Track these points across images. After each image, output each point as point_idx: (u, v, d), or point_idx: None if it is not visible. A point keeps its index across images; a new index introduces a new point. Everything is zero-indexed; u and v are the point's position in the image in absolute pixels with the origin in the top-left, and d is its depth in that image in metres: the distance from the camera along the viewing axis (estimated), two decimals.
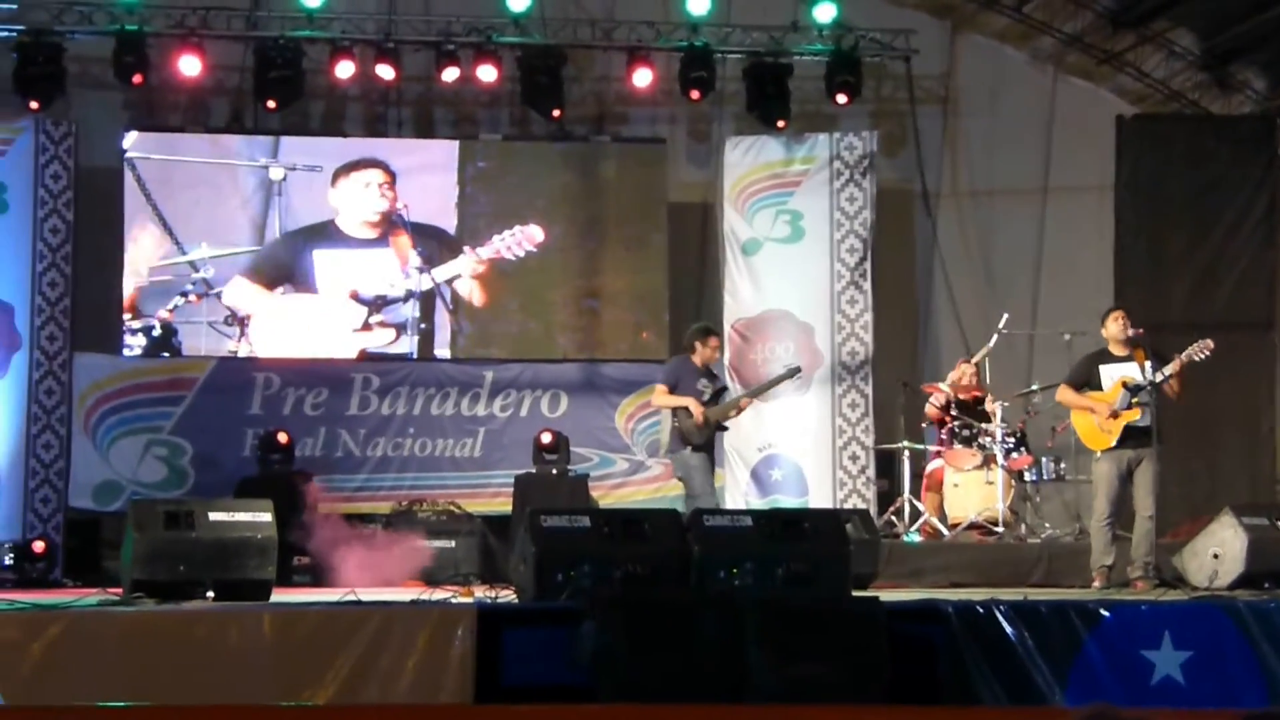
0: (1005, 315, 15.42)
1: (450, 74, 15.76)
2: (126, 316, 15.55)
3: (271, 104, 15.64)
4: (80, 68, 15.57)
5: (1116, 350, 12.14)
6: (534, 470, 15.04)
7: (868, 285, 16.02)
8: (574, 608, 8.46)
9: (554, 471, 15.00)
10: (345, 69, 15.63)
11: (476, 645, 8.26)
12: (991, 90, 17.17)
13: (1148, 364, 11.90)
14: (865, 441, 15.86)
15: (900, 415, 15.47)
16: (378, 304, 15.93)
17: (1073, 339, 14.39)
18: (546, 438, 15.15)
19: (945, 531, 14.65)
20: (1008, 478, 14.63)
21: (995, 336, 15.38)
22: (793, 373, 13.93)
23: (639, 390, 15.92)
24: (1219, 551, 11.80)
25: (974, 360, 15.39)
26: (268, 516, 10.11)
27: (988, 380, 15.45)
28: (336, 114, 16.61)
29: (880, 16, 16.50)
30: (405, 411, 15.81)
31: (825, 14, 15.93)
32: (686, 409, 12.72)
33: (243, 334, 15.75)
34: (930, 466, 15.22)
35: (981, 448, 14.66)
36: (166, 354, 15.65)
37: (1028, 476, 14.87)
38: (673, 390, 12.90)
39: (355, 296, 15.89)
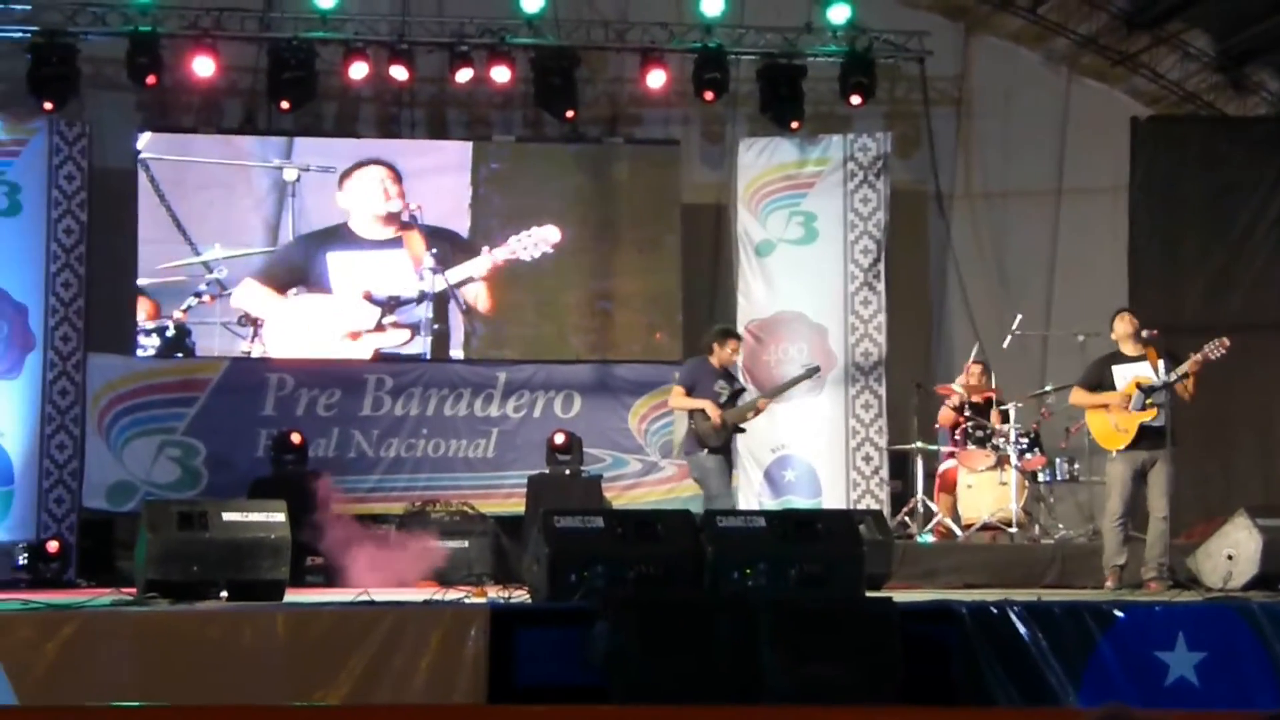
0: (1019, 316, 15.41)
1: (464, 75, 15.77)
2: (140, 317, 15.56)
3: (285, 105, 15.65)
4: (94, 69, 15.58)
5: (1128, 351, 12.13)
6: (547, 471, 15.05)
7: (881, 286, 16.01)
8: (587, 608, 8.46)
9: (567, 472, 15.00)
10: (359, 70, 15.64)
11: (489, 645, 8.26)
12: (1006, 92, 17.14)
13: (1160, 364, 11.90)
14: (879, 442, 15.86)
15: (914, 416, 15.46)
16: (391, 305, 15.94)
17: (1086, 340, 14.36)
18: (560, 438, 15.15)
19: (959, 532, 14.64)
20: (1021, 478, 14.61)
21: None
22: (811, 372, 13.90)
23: (652, 391, 15.94)
24: (1233, 553, 11.78)
25: (970, 361, 15.39)
26: (281, 517, 10.13)
27: (995, 381, 15.43)
28: (350, 115, 16.62)
29: (894, 18, 16.49)
30: (418, 412, 15.81)
31: (839, 15, 15.92)
32: (703, 411, 12.71)
33: (256, 335, 15.76)
34: (943, 467, 15.20)
35: (995, 448, 14.64)
36: (180, 355, 15.67)
37: (1041, 477, 14.86)
38: (690, 392, 12.89)
39: (369, 297, 15.90)
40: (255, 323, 15.76)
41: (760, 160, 16.33)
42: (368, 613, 8.50)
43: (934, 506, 14.95)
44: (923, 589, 12.48)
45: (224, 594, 9.78)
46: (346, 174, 15.98)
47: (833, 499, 15.64)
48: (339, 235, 15.98)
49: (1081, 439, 14.06)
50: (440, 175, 16.24)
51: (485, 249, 16.07)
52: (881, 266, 16.04)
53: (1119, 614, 8.91)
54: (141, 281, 15.56)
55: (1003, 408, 14.86)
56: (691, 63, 16.10)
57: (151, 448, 15.32)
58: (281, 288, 15.84)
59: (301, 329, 15.84)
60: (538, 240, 16.08)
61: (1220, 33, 16.76)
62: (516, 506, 15.08)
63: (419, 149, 16.47)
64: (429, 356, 16.02)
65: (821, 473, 15.88)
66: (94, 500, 15.06)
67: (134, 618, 8.57)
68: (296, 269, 15.92)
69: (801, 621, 8.35)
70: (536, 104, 16.20)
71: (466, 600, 9.45)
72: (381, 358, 15.91)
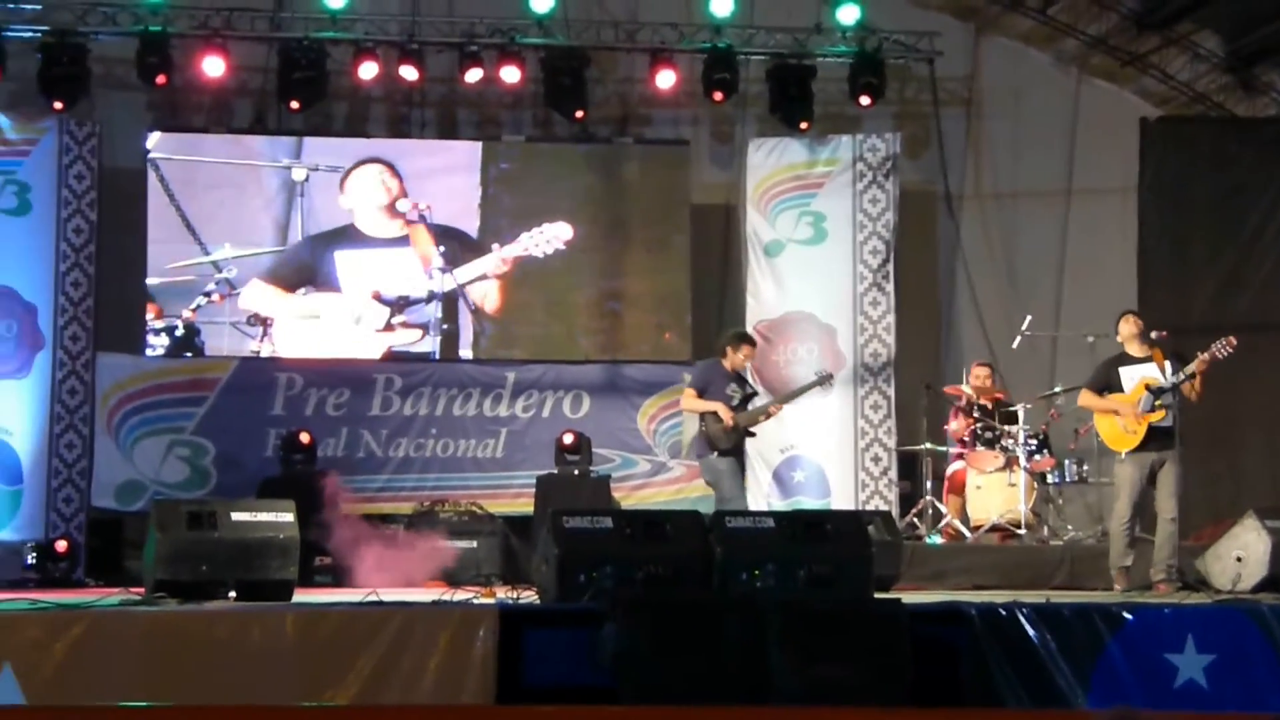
0: (1028, 317, 15.40)
1: (473, 75, 15.78)
2: (149, 316, 15.57)
3: (295, 105, 15.67)
4: (104, 68, 15.61)
5: (1135, 352, 12.13)
6: (556, 471, 15.03)
7: (890, 287, 16.01)
8: (596, 609, 8.45)
9: (576, 472, 14.99)
10: (368, 70, 15.64)
11: (498, 646, 8.25)
12: (1015, 92, 17.13)
13: (1167, 365, 11.90)
14: (887, 443, 15.85)
15: (923, 417, 15.45)
16: (400, 304, 15.94)
17: (1096, 341, 14.34)
18: (568, 438, 15.14)
19: (967, 533, 14.63)
20: (1030, 480, 14.61)
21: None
22: (824, 379, 13.93)
23: (661, 391, 15.96)
24: (1242, 554, 11.77)
25: (975, 364, 15.41)
26: (290, 517, 10.13)
27: (1005, 382, 15.43)
28: (360, 115, 16.63)
29: (904, 18, 16.48)
30: (427, 412, 15.82)
31: (849, 16, 15.92)
32: (715, 413, 12.72)
33: (265, 334, 15.77)
34: (952, 468, 15.20)
35: (1004, 450, 14.63)
36: (189, 354, 15.68)
37: (1050, 479, 14.84)
38: (702, 394, 12.92)
39: (378, 297, 15.91)
40: (265, 322, 15.76)
41: (769, 160, 16.32)
42: (376, 613, 8.49)
43: (943, 507, 14.95)
44: (931, 590, 12.48)
45: (232, 594, 9.79)
46: (345, 176, 15.98)
47: (841, 500, 15.63)
48: (346, 235, 15.99)
49: (1090, 440, 14.05)
50: (450, 175, 16.24)
51: (495, 245, 16.08)
52: (891, 267, 16.03)
53: (1128, 616, 8.89)
54: (151, 281, 15.56)
55: (1011, 409, 14.85)
56: (701, 63, 16.10)
57: (160, 447, 15.34)
58: (290, 287, 15.85)
59: (311, 327, 15.84)
60: (550, 237, 16.08)
61: (1230, 34, 16.75)
62: (525, 507, 15.07)
63: (429, 149, 16.48)
64: (438, 356, 16.02)
65: (830, 473, 15.88)
66: (103, 500, 15.08)
67: (142, 617, 8.57)
68: (305, 269, 15.93)
69: (810, 622, 8.34)
70: (546, 104, 16.20)
71: (475, 600, 9.45)
72: (392, 356, 15.91)
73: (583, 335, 16.45)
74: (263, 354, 15.77)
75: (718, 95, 16.08)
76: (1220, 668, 8.72)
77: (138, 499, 15.03)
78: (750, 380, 14.01)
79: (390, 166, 16.06)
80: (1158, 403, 11.81)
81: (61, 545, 13.92)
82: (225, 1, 15.43)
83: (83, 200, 15.07)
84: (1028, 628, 8.75)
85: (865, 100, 16.17)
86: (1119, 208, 16.64)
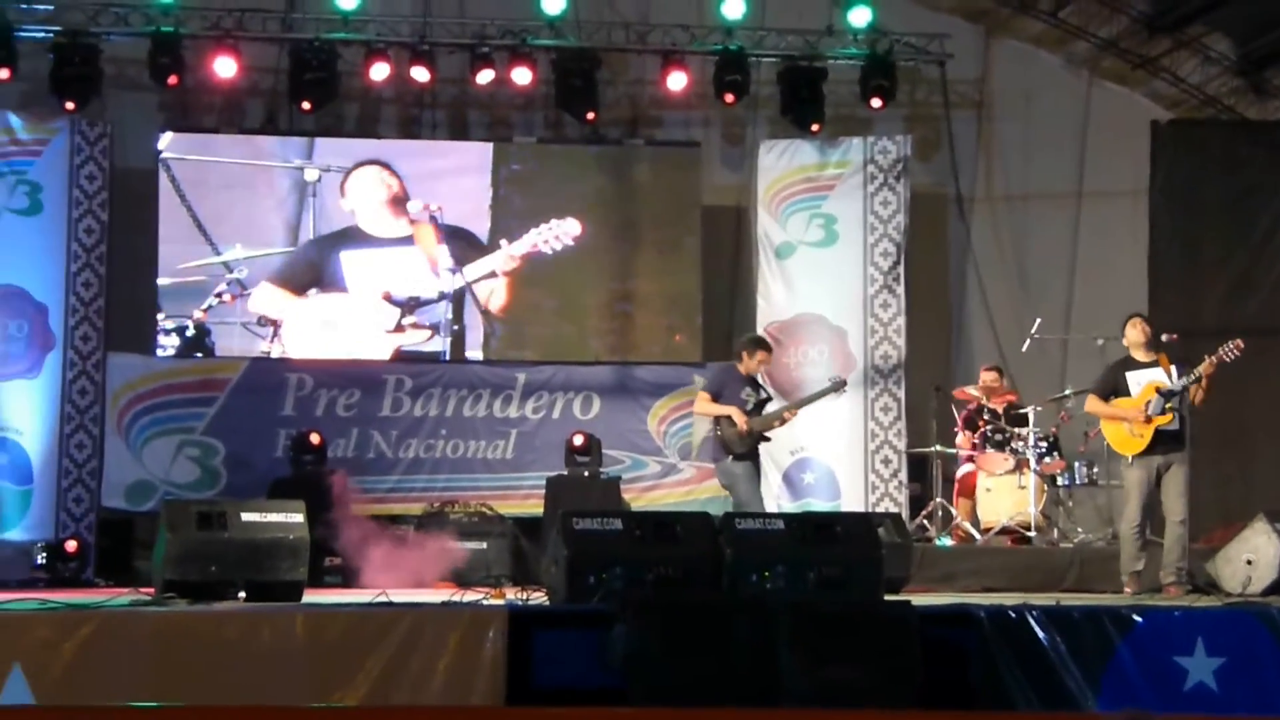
0: (1039, 320, 15.40)
1: (485, 76, 15.78)
2: (160, 317, 15.58)
3: (306, 105, 15.68)
4: (116, 69, 15.63)
5: (1140, 356, 12.14)
6: (566, 472, 15.04)
7: (901, 289, 16.00)
8: (605, 610, 8.44)
9: (586, 474, 14.99)
10: (380, 71, 15.65)
11: (508, 647, 8.24)
12: (1026, 95, 17.12)
13: (1173, 369, 11.90)
14: (897, 445, 15.84)
15: (933, 419, 15.46)
16: (411, 305, 15.95)
17: (1106, 344, 14.29)
18: (578, 440, 15.14)
19: (977, 536, 14.63)
20: (1040, 482, 14.60)
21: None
22: (838, 386, 13.92)
23: (671, 393, 15.96)
24: (1252, 558, 11.77)
25: (983, 369, 15.42)
26: (300, 517, 10.13)
27: (1015, 384, 15.42)
28: (371, 116, 16.64)
29: (915, 21, 16.49)
30: (437, 413, 15.82)
31: (860, 18, 15.93)
32: (729, 417, 12.72)
33: (275, 335, 15.78)
34: (962, 471, 15.20)
35: (1014, 452, 14.62)
36: (199, 354, 15.69)
37: (1060, 481, 14.85)
38: (716, 398, 12.91)
39: (389, 298, 15.91)
40: (275, 324, 15.77)
41: (780, 162, 16.33)
42: (386, 614, 8.49)
43: (953, 510, 14.94)
44: (941, 592, 12.48)
45: (242, 594, 9.79)
46: (344, 179, 15.98)
47: (851, 502, 15.63)
48: (350, 235, 16.00)
49: (1100, 443, 13.99)
50: (461, 176, 16.24)
51: (504, 242, 16.08)
52: (901, 269, 16.03)
53: (1138, 619, 8.87)
54: (162, 281, 15.57)
55: (1021, 411, 14.84)
56: (712, 65, 16.11)
57: (171, 447, 15.35)
58: (298, 290, 15.85)
59: (320, 329, 15.85)
60: (559, 233, 16.07)
61: (1241, 36, 16.73)
62: (535, 508, 15.07)
63: (440, 150, 16.50)
64: (448, 357, 16.02)
65: (840, 475, 15.88)
66: (113, 500, 15.09)
67: (152, 618, 8.57)
68: (311, 271, 15.93)
69: (820, 624, 8.33)
70: (557, 105, 16.22)
71: (485, 602, 9.44)
72: (402, 356, 15.92)
73: (593, 336, 16.45)
74: (273, 354, 15.78)
75: (729, 97, 16.08)
76: (1230, 671, 8.70)
77: (148, 499, 15.03)
78: (764, 385, 14.00)
79: (388, 167, 16.06)
80: (1168, 405, 11.81)
81: (71, 545, 13.95)
82: (237, 2, 15.45)
83: (94, 200, 15.10)
84: (1038, 630, 8.74)
85: (876, 102, 16.17)
86: (1130, 210, 16.63)
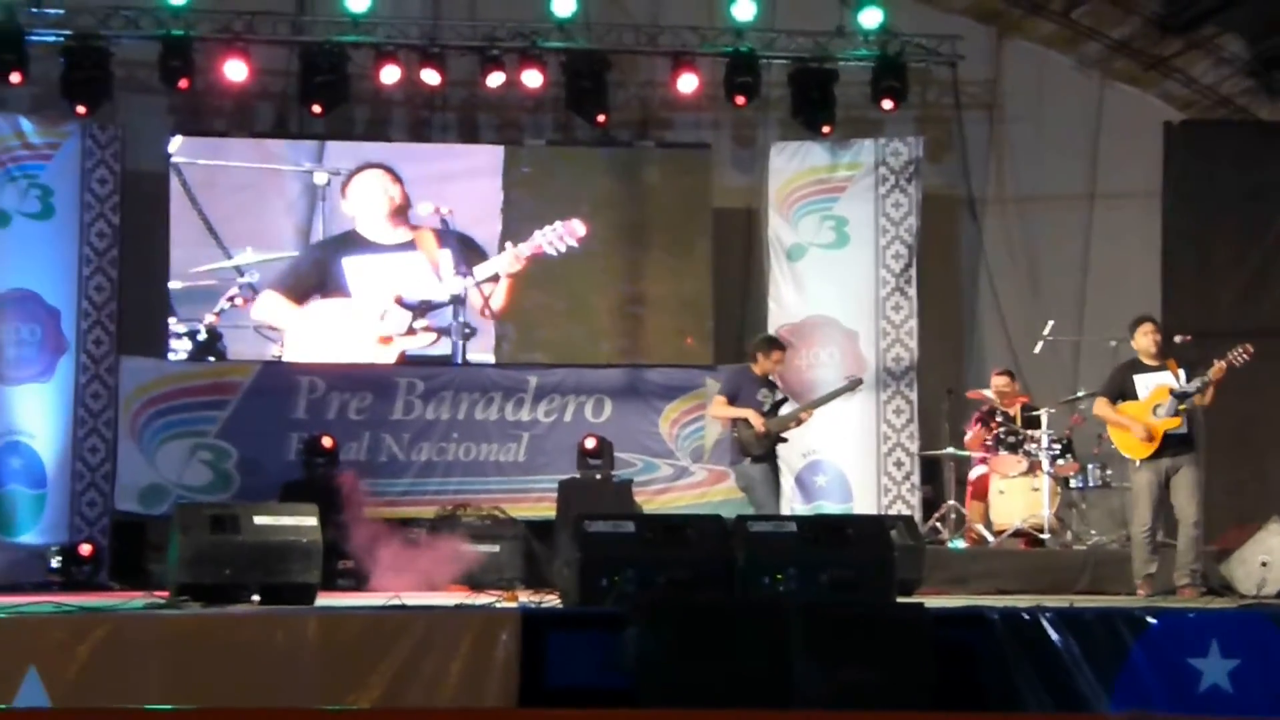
0: (1051, 322, 15.35)
1: (495, 79, 15.78)
2: (172, 320, 15.60)
3: (316, 109, 15.68)
4: (126, 72, 15.62)
5: (1149, 361, 12.10)
6: (578, 475, 15.06)
7: (913, 291, 15.99)
8: (618, 613, 8.43)
9: (598, 476, 15.01)
10: (390, 74, 15.66)
11: (520, 649, 8.24)
12: (1038, 96, 17.09)
13: (1181, 372, 11.88)
14: (910, 448, 15.83)
15: (945, 422, 15.44)
16: (423, 308, 15.95)
17: (1119, 345, 14.30)
18: (590, 443, 15.16)
19: (990, 538, 14.61)
20: (1053, 484, 14.58)
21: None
22: (855, 384, 13.90)
23: (683, 395, 15.97)
24: (1267, 559, 11.76)
25: (994, 373, 15.40)
26: (313, 520, 10.15)
27: (1028, 386, 15.40)
28: (381, 119, 16.64)
29: (926, 22, 16.48)
30: (449, 416, 15.84)
31: (871, 19, 15.92)
32: (746, 420, 12.70)
33: (282, 341, 15.81)
34: (975, 473, 15.18)
35: (1027, 454, 14.60)
36: (212, 358, 15.70)
37: (1073, 483, 14.81)
38: (732, 401, 12.88)
39: (400, 301, 15.92)
40: (278, 332, 15.79)
41: (791, 164, 16.32)
42: (399, 616, 8.49)
43: (965, 512, 14.92)
44: (954, 595, 12.45)
45: (255, 597, 9.81)
46: (347, 182, 15.99)
47: (864, 504, 15.61)
48: (351, 240, 16.02)
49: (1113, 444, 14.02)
50: (472, 179, 16.25)
51: (509, 244, 16.07)
52: (913, 271, 16.02)
53: (1152, 620, 8.84)
54: (174, 285, 15.59)
55: (1034, 413, 14.82)
56: (723, 66, 16.09)
57: (183, 451, 15.38)
58: (299, 298, 15.84)
59: (323, 336, 15.84)
60: (563, 234, 16.06)
61: (1254, 37, 16.67)
62: (547, 511, 15.07)
63: (450, 153, 16.50)
64: (460, 360, 16.02)
65: (853, 478, 15.86)
66: (126, 503, 15.12)
67: (166, 621, 8.58)
68: (312, 276, 15.92)
69: (832, 627, 8.31)
70: (568, 107, 16.20)
71: (497, 604, 9.46)
72: (407, 360, 15.92)
73: (604, 339, 16.45)
74: (284, 358, 15.78)
75: (739, 99, 16.06)
76: (1245, 672, 8.66)
77: (161, 502, 15.05)
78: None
79: (391, 171, 16.06)
80: (1182, 407, 11.79)
81: (86, 548, 14.00)
82: (247, 5, 15.46)
83: (105, 204, 15.12)
84: (1051, 632, 8.71)
85: (887, 104, 16.15)
86: (1142, 212, 16.58)
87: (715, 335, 16.25)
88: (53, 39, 15.19)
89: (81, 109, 15.13)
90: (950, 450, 15.19)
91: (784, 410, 13.01)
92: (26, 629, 8.20)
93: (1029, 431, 14.69)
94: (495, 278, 16.07)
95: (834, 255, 16.19)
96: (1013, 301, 16.80)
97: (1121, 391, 12.14)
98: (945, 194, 16.93)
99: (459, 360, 16.00)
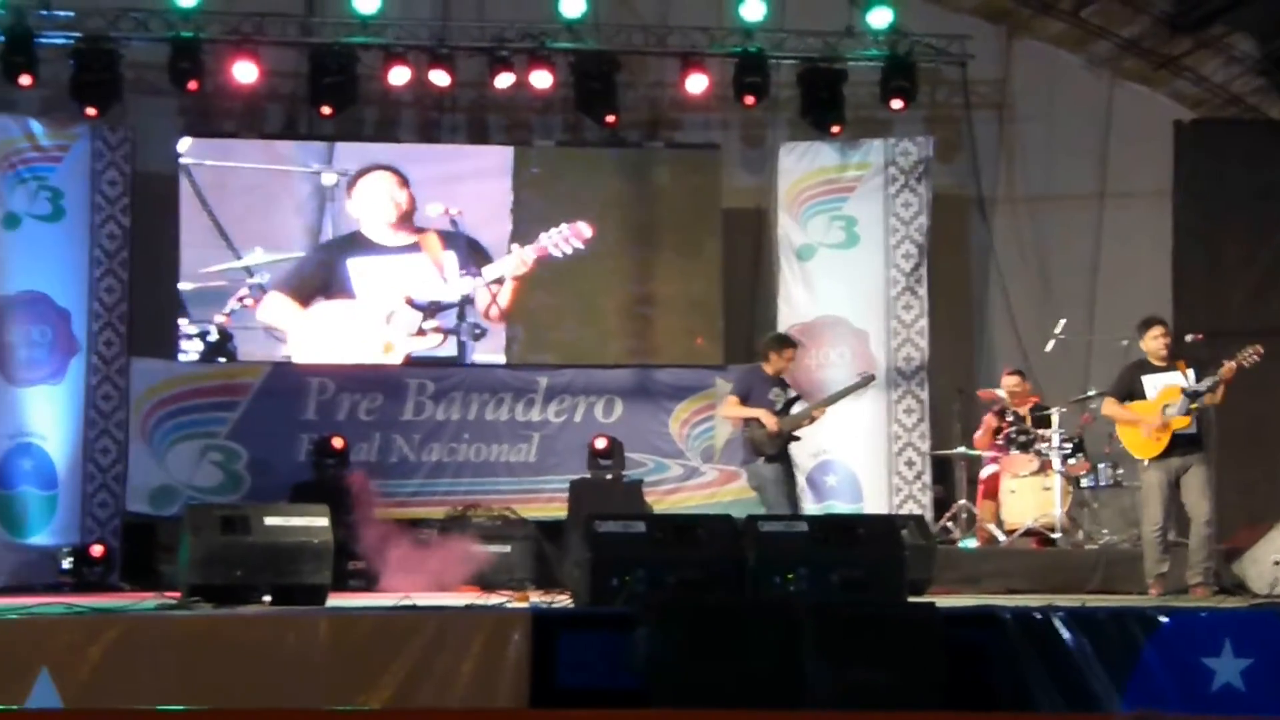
0: (1062, 321, 15.32)
1: (504, 80, 15.78)
2: (182, 322, 15.61)
3: (326, 110, 15.69)
4: (136, 74, 15.65)
5: (1158, 362, 12.09)
6: (588, 475, 15.06)
7: (923, 291, 15.99)
8: (628, 613, 8.43)
9: (608, 477, 15.02)
10: (399, 75, 15.66)
11: (531, 650, 8.24)
12: (1047, 95, 17.07)
13: (1190, 373, 11.86)
14: (921, 447, 15.83)
15: (956, 421, 15.43)
16: (433, 309, 15.95)
17: (1130, 344, 14.26)
18: (601, 443, 15.17)
19: (1002, 537, 14.58)
20: (1065, 483, 14.54)
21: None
22: (867, 380, 13.83)
23: (693, 396, 15.98)
24: (1279, 558, 11.72)
25: (1004, 373, 15.39)
26: (323, 521, 10.16)
27: (1039, 385, 15.39)
28: (390, 120, 16.65)
29: (935, 22, 16.47)
30: (460, 417, 15.85)
31: (880, 19, 15.91)
32: (758, 420, 12.67)
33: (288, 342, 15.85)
34: (986, 472, 15.16)
35: (1038, 454, 14.58)
36: (222, 359, 15.71)
37: (1085, 482, 14.78)
38: (744, 400, 12.84)
39: (410, 302, 15.92)
40: (283, 333, 15.82)
41: (801, 164, 16.32)
42: (410, 617, 8.50)
43: (977, 511, 14.91)
44: (965, 594, 12.43)
45: (266, 598, 9.81)
46: (353, 183, 15.99)
47: (875, 504, 15.60)
48: (356, 242, 16.02)
49: None
50: (481, 180, 16.25)
51: (514, 246, 16.07)
52: (923, 271, 16.02)
53: (1164, 620, 8.82)
54: (184, 286, 15.60)
55: (1045, 413, 14.80)
56: (732, 67, 16.07)
57: (194, 452, 15.41)
58: (304, 300, 15.84)
59: (327, 337, 15.84)
60: (568, 235, 16.06)
61: (1264, 36, 16.65)
62: (558, 511, 15.08)
63: (459, 154, 16.50)
64: (470, 361, 16.02)
65: (863, 478, 15.86)
66: (137, 504, 15.14)
67: (177, 622, 8.60)
68: (317, 278, 15.92)
69: (843, 626, 8.30)
70: (577, 108, 16.20)
71: (508, 605, 9.46)
72: (413, 361, 15.93)
73: (614, 339, 16.46)
74: (294, 359, 15.79)
75: (748, 99, 16.06)
76: (1258, 671, 8.64)
77: (172, 504, 15.07)
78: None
79: (398, 173, 16.06)
80: (1193, 406, 11.78)
81: (97, 550, 14.04)
82: (256, 7, 15.48)
83: (115, 206, 15.15)
84: (1062, 631, 8.70)
85: (897, 104, 16.14)
86: (1152, 211, 16.56)
87: (725, 335, 16.24)
88: (62, 41, 15.21)
89: (91, 111, 15.16)
90: (961, 450, 15.18)
91: (796, 409, 12.96)
92: (38, 630, 8.22)
93: (1040, 431, 14.66)
94: (501, 280, 16.05)
95: (844, 255, 16.18)
96: (1023, 301, 16.78)
97: (1130, 391, 12.12)
98: (955, 194, 16.92)
99: (466, 361, 15.99)
